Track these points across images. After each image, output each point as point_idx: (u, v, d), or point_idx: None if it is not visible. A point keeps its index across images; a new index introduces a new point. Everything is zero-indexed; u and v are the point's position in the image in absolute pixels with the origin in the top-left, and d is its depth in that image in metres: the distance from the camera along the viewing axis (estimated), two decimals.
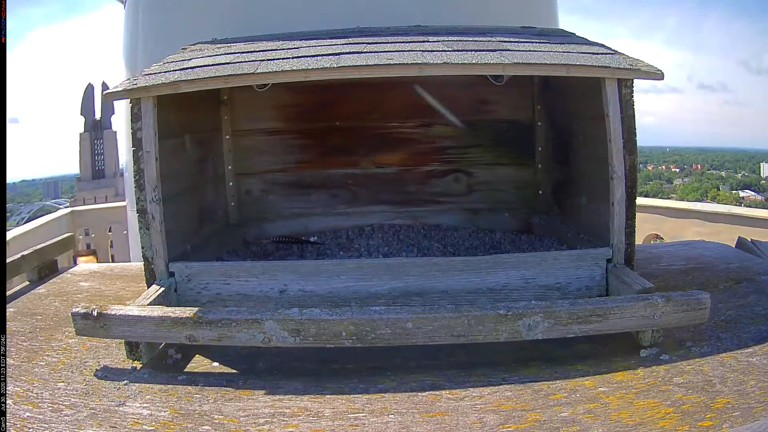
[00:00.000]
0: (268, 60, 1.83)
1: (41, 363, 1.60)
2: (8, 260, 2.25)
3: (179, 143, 2.13)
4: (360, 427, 1.25)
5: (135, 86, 1.76)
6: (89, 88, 20.99)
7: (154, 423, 1.27)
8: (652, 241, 4.63)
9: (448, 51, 1.84)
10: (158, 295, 1.71)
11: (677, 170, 54.59)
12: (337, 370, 1.52)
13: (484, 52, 1.82)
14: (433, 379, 1.45)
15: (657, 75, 1.77)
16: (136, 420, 1.28)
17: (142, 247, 1.81)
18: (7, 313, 1.94)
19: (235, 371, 1.54)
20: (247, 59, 1.88)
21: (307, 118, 2.72)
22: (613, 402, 1.29)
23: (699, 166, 55.24)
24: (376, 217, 2.72)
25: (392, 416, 1.28)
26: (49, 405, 1.35)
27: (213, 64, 1.87)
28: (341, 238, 2.58)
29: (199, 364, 1.59)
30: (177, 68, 1.87)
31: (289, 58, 1.84)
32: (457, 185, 2.77)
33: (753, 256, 2.39)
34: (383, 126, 2.74)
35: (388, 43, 2.00)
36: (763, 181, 47.04)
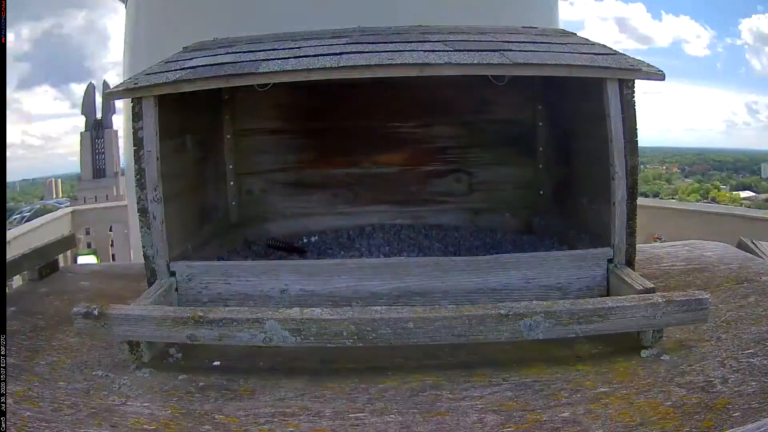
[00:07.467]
0: (270, 60, 1.83)
1: (42, 362, 1.60)
2: (9, 259, 2.24)
3: (180, 142, 2.13)
4: (360, 426, 1.25)
5: (136, 86, 1.76)
6: (90, 87, 21.02)
7: (154, 422, 1.27)
8: (653, 242, 4.63)
9: (450, 51, 1.84)
10: (159, 295, 1.71)
11: (677, 171, 54.53)
12: (337, 369, 1.52)
13: (485, 53, 1.82)
14: (434, 379, 1.44)
15: (658, 75, 1.77)
16: (136, 419, 1.28)
17: (143, 247, 1.81)
18: (8, 313, 1.94)
19: (235, 371, 1.54)
20: (248, 59, 1.88)
21: (308, 118, 2.72)
22: (614, 402, 1.29)
23: (699, 167, 55.14)
24: (377, 216, 2.71)
25: (393, 416, 1.28)
26: (50, 404, 1.35)
27: (214, 64, 1.87)
28: (342, 237, 2.58)
29: (200, 363, 1.59)
30: (178, 68, 1.87)
31: (290, 57, 1.84)
32: (458, 185, 2.76)
33: (753, 256, 2.39)
34: (384, 126, 2.73)
35: (389, 42, 2.00)
36: (764, 182, 46.97)
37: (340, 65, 1.73)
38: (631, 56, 1.84)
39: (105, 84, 20.70)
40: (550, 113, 2.62)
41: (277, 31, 2.47)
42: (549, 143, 2.65)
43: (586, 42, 2.12)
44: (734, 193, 42.12)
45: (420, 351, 1.54)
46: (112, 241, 6.72)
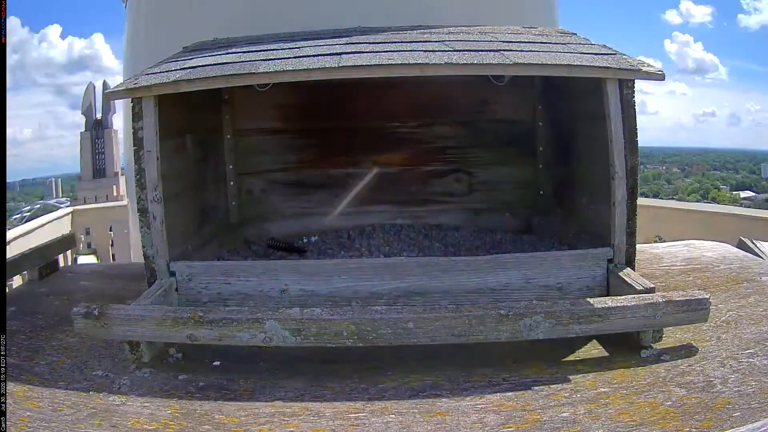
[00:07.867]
0: (270, 60, 1.83)
1: (42, 362, 1.60)
2: (9, 259, 2.24)
3: (180, 142, 2.13)
4: (360, 426, 1.25)
5: (136, 85, 1.76)
6: (90, 87, 21.03)
7: (154, 422, 1.27)
8: (653, 242, 4.64)
9: (450, 51, 1.84)
10: (159, 295, 1.71)
11: (678, 171, 54.50)
12: (337, 369, 1.52)
13: (485, 53, 1.82)
14: (434, 379, 1.45)
15: (658, 75, 1.77)
16: (136, 419, 1.28)
17: (143, 247, 1.81)
18: (8, 312, 1.94)
19: (235, 371, 1.54)
20: (248, 59, 1.88)
21: (308, 118, 2.72)
22: (614, 402, 1.29)
23: (699, 167, 55.09)
24: (377, 216, 2.71)
25: (393, 416, 1.28)
26: (50, 404, 1.35)
27: (214, 64, 1.87)
28: (342, 237, 2.58)
29: (199, 363, 1.59)
30: (178, 67, 1.87)
31: (290, 57, 1.84)
32: (458, 185, 2.77)
33: (753, 256, 2.39)
34: (384, 126, 2.73)
35: (389, 42, 2.00)
36: (764, 182, 46.95)
37: (340, 65, 1.73)
38: (631, 56, 1.84)
39: (105, 84, 20.71)
40: (550, 113, 2.62)
41: (277, 31, 2.47)
42: (549, 143, 2.65)
43: (586, 42, 2.12)
44: (734, 193, 42.11)
45: (420, 351, 1.54)
46: (112, 241, 6.74)
